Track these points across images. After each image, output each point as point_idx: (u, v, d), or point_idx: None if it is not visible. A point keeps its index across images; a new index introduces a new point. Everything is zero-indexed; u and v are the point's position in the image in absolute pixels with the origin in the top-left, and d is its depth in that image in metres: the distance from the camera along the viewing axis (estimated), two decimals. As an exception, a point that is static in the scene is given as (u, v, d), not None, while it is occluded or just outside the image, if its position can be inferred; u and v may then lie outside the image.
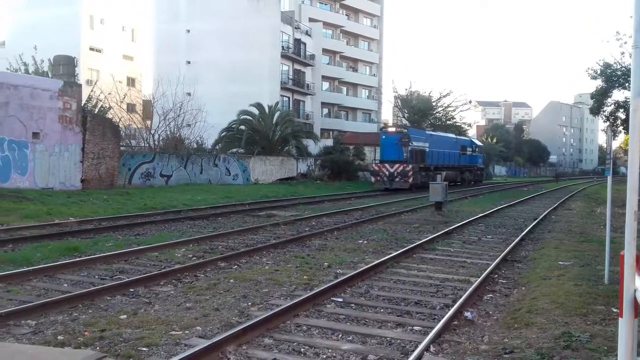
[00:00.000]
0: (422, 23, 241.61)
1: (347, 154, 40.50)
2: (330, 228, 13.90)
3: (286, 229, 14.01)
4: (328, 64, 57.59)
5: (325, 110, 56.77)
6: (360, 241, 12.09)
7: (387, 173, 31.21)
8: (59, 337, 5.37)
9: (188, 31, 46.53)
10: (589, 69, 30.82)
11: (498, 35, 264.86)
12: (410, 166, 30.90)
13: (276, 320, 5.86)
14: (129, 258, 9.47)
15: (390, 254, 10.07)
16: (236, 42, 44.21)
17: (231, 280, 7.90)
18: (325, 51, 56.28)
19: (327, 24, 56.74)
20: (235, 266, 9.04)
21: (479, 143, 48.31)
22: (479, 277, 8.10)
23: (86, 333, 5.48)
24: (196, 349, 4.74)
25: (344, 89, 60.73)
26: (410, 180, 30.71)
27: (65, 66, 22.67)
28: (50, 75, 23.60)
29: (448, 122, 51.81)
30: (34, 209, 15.31)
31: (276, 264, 9.29)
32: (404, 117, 51.41)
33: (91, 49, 50.07)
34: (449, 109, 51.54)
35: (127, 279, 7.64)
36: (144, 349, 5.08)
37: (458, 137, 43.55)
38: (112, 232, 12.52)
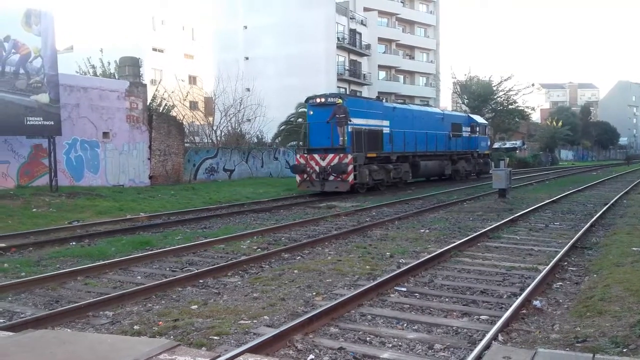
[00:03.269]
0: (481, 5, 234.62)
1: None
2: (391, 218, 13.85)
3: (347, 219, 14.07)
4: (384, 52, 57.03)
5: (383, 99, 56.28)
6: (422, 230, 11.99)
7: (316, 168, 20.17)
8: (135, 327, 5.61)
9: (245, 27, 47.21)
10: None
11: (561, 14, 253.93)
12: (350, 157, 19.74)
13: (341, 310, 5.93)
14: (197, 250, 9.79)
15: (454, 242, 9.94)
16: (292, 35, 44.51)
17: (295, 271, 8.04)
18: (381, 40, 55.76)
19: (382, 13, 56.16)
20: (299, 257, 9.18)
21: (481, 120, 34.34)
22: (548, 265, 7.87)
23: (160, 323, 5.71)
24: (265, 337, 4.86)
25: (401, 77, 59.99)
26: (351, 178, 19.75)
27: (130, 67, 23.53)
28: (116, 77, 24.57)
29: (510, 106, 50.23)
30: (107, 205, 16.06)
31: (338, 254, 9.36)
32: (463, 103, 50.27)
33: (154, 49, 51.65)
34: (511, 92, 49.94)
35: (196, 271, 7.90)
36: (215, 337, 5.25)
37: (447, 111, 32.04)
38: (181, 226, 12.98)
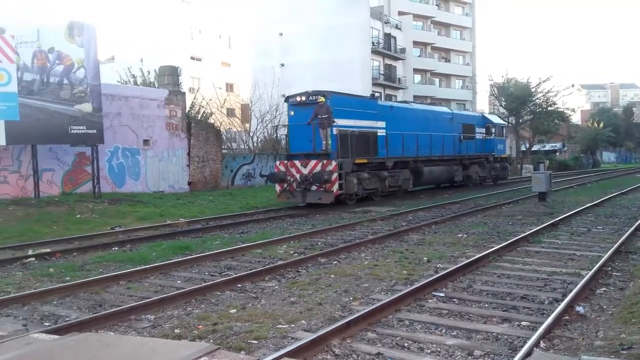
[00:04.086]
0: (517, 6, 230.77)
1: None
2: (428, 222, 13.73)
3: (383, 224, 14.02)
4: (419, 56, 56.68)
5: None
6: (460, 235, 11.84)
7: (297, 177, 17.68)
8: (176, 331, 5.70)
9: (281, 34, 47.62)
10: None
11: (601, 13, 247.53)
12: (335, 163, 17.13)
13: (378, 315, 5.92)
14: (235, 255, 9.91)
15: (493, 247, 9.79)
16: (327, 41, 44.66)
17: (332, 276, 8.05)
18: (416, 43, 55.42)
19: (417, 16, 55.83)
20: (335, 262, 9.19)
21: (497, 120, 31.54)
22: (591, 270, 7.67)
23: (200, 326, 5.79)
24: (303, 342, 4.89)
25: (437, 80, 59.46)
26: (335, 188, 17.06)
27: (169, 76, 24.04)
28: (156, 85, 25.13)
29: (549, 108, 49.18)
30: (147, 211, 16.42)
31: (375, 259, 9.34)
32: (501, 105, 49.46)
33: (192, 58, 52.58)
34: (550, 94, 48.90)
35: (234, 275, 8.00)
36: (254, 341, 5.30)
37: (456, 111, 29.08)
38: (219, 231, 13.16)
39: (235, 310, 6.39)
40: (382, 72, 48.80)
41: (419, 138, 21.85)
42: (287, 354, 4.51)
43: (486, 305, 6.48)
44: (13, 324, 5.83)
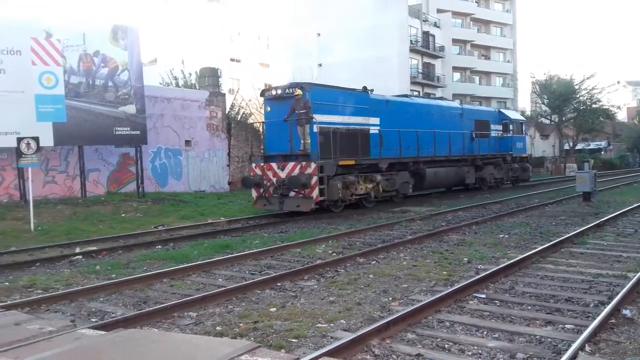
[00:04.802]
0: (560, 0, 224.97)
1: None
2: (468, 222, 13.55)
3: (422, 224, 13.91)
4: (458, 54, 55.93)
5: (457, 102, 55.19)
6: (501, 235, 11.65)
7: (274, 181, 15.55)
8: (217, 328, 5.79)
9: (318, 35, 47.77)
10: None
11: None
12: (314, 165, 14.94)
13: (418, 316, 5.88)
14: (275, 254, 10.00)
15: (535, 248, 9.60)
16: (364, 40, 44.56)
17: (370, 276, 8.05)
18: (455, 41, 54.72)
19: (456, 13, 55.13)
20: (374, 261, 9.17)
21: (515, 116, 28.46)
22: (638, 272, 7.44)
23: (241, 324, 5.87)
24: (342, 341, 4.90)
25: (476, 78, 58.55)
26: (315, 193, 14.87)
27: (210, 78, 24.46)
28: (197, 87, 25.58)
29: (594, 105, 47.81)
30: (189, 210, 16.74)
31: (414, 259, 9.28)
32: (543, 103, 48.36)
33: (231, 59, 53.23)
34: (594, 91, 47.52)
35: (274, 274, 8.09)
36: (294, 340, 5.34)
37: (467, 106, 26.38)
38: (258, 230, 13.31)
39: (275, 308, 6.46)
40: (420, 70, 48.37)
41: (421, 136, 19.25)
42: (327, 353, 4.53)
43: (529, 308, 6.36)
44: (62, 319, 6.02)
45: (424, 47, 48.74)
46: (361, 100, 17.47)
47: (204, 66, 25.96)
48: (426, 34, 49.49)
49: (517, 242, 10.80)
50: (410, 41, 46.38)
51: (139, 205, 17.13)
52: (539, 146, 53.02)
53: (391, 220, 14.51)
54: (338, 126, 16.07)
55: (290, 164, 15.34)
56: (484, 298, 6.75)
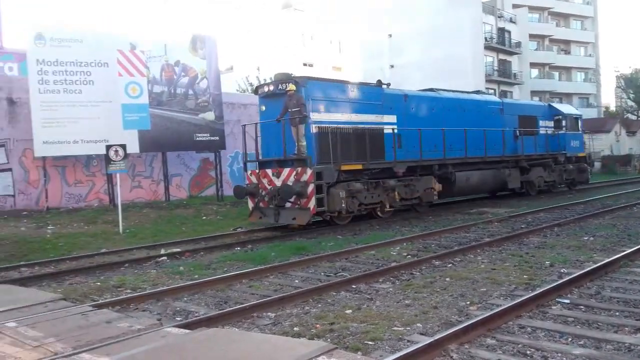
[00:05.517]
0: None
1: None
2: (549, 224, 13.04)
3: (500, 226, 13.53)
4: (536, 49, 53.89)
5: (536, 99, 53.21)
6: (586, 238, 11.13)
7: (269, 190, 13.67)
8: (295, 329, 5.90)
9: (390, 36, 47.47)
10: None
11: None
12: (310, 172, 13.05)
13: (498, 321, 5.74)
14: (349, 256, 10.05)
15: (624, 251, 9.10)
16: (437, 40, 43.81)
17: (447, 279, 7.93)
18: (532, 36, 52.78)
19: (532, 8, 53.16)
20: (450, 264, 9.03)
21: (569, 110, 24.85)
22: None
23: (317, 325, 5.95)
24: (419, 345, 4.87)
25: (556, 74, 56.16)
26: (312, 204, 13.01)
27: (283, 83, 24.89)
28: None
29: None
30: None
31: (492, 262, 9.05)
32: (628, 98, 45.66)
33: (304, 64, 53.99)
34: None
35: (349, 276, 8.14)
36: (370, 342, 5.35)
37: (509, 100, 23.34)
38: (333, 233, 13.41)
39: (350, 310, 6.50)
40: (496, 67, 47.01)
41: (448, 135, 16.72)
42: (404, 357, 4.53)
43: (617, 314, 6.06)
44: (149, 318, 6.35)
45: (499, 43, 47.33)
46: (372, 95, 15.29)
47: (277, 72, 26.47)
48: (501, 30, 48.03)
49: (603, 244, 10.29)
50: (485, 38, 45.18)
51: (218, 208, 17.73)
52: (625, 143, 50.10)
53: (467, 222, 14.21)
54: (341, 125, 14.07)
55: (286, 170, 13.48)
56: (568, 303, 6.50)
